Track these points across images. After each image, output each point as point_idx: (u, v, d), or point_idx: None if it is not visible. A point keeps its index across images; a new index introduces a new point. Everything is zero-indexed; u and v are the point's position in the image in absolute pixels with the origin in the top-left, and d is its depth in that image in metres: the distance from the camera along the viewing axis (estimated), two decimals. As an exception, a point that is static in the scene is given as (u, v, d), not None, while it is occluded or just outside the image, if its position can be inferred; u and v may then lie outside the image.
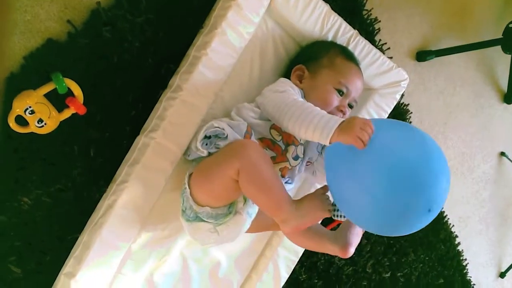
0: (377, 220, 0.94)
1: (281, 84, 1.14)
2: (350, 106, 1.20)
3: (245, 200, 1.07)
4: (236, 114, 1.13)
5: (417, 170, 0.89)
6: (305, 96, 1.16)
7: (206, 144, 1.08)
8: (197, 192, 1.06)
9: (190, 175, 1.09)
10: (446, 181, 0.93)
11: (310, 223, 0.99)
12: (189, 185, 1.07)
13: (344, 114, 1.17)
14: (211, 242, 1.09)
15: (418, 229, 0.96)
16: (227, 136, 1.04)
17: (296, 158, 1.12)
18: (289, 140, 1.11)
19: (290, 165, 1.12)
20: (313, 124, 0.96)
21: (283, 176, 1.12)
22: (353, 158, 0.92)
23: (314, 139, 0.97)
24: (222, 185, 1.00)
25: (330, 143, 0.94)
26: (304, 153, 1.14)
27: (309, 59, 1.20)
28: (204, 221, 1.06)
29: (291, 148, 1.11)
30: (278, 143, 1.10)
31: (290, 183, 1.16)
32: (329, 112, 1.13)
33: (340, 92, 1.16)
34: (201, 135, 1.07)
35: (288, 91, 1.10)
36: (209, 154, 1.07)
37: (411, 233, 0.98)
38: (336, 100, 1.16)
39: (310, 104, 1.03)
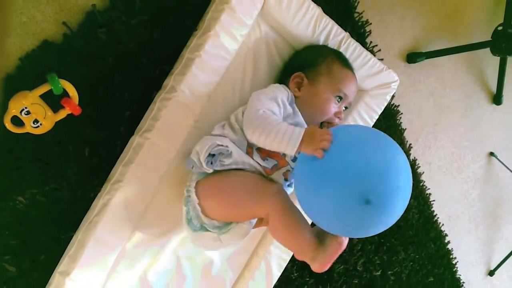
0: (321, 213, 0.97)
1: (270, 89, 1.16)
2: (345, 108, 1.24)
3: None
4: (235, 121, 1.14)
5: (352, 160, 0.91)
6: (300, 103, 1.17)
7: (211, 163, 1.09)
8: (209, 206, 1.09)
9: (198, 182, 1.11)
10: (396, 174, 0.93)
11: (334, 256, 1.03)
12: (197, 195, 1.09)
13: (340, 119, 1.21)
14: (213, 249, 1.12)
15: (369, 229, 0.97)
16: (231, 152, 1.08)
17: (294, 159, 1.14)
18: None
19: (290, 167, 1.14)
20: (278, 136, 1.01)
21: (286, 180, 1.14)
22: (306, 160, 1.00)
23: (278, 149, 1.03)
24: (244, 215, 1.08)
25: (295, 155, 1.01)
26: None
27: (307, 66, 1.21)
28: (209, 230, 1.09)
29: None
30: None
31: (291, 184, 1.18)
32: (327, 119, 1.19)
33: (339, 98, 1.19)
34: (204, 154, 1.07)
35: (272, 102, 1.11)
36: (215, 171, 1.10)
37: (363, 235, 1.01)
38: (334, 108, 1.18)
39: (274, 118, 1.06)
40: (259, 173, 1.12)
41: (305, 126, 1.15)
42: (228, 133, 1.12)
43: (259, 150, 1.11)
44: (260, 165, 1.11)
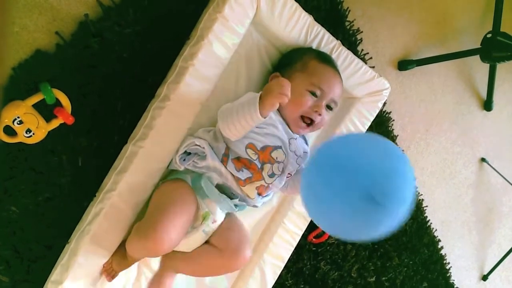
0: (322, 213, 0.97)
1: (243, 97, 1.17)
2: (330, 108, 1.22)
3: (203, 219, 1.11)
4: (219, 130, 1.14)
5: (353, 158, 0.90)
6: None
7: (184, 160, 1.13)
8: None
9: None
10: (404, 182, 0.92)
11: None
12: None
13: (320, 114, 1.18)
14: None
15: (379, 229, 0.98)
16: (206, 155, 1.10)
17: (272, 175, 1.14)
18: (265, 158, 1.13)
19: (265, 182, 1.14)
20: (241, 110, 1.04)
21: (260, 194, 1.15)
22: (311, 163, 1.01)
23: (249, 122, 1.04)
24: None
25: (263, 116, 1.01)
26: (282, 170, 1.16)
27: (285, 66, 1.23)
28: None
29: (267, 167, 1.13)
30: (254, 162, 1.12)
31: (267, 195, 1.19)
32: (303, 112, 1.17)
33: (314, 94, 1.17)
34: (181, 150, 1.13)
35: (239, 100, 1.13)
36: (185, 170, 1.13)
37: (372, 235, 1.00)
38: (309, 101, 1.17)
39: (237, 102, 1.10)
40: (229, 185, 1.13)
41: (282, 131, 1.17)
42: (209, 138, 1.15)
43: (236, 160, 1.12)
44: (233, 175, 1.12)
